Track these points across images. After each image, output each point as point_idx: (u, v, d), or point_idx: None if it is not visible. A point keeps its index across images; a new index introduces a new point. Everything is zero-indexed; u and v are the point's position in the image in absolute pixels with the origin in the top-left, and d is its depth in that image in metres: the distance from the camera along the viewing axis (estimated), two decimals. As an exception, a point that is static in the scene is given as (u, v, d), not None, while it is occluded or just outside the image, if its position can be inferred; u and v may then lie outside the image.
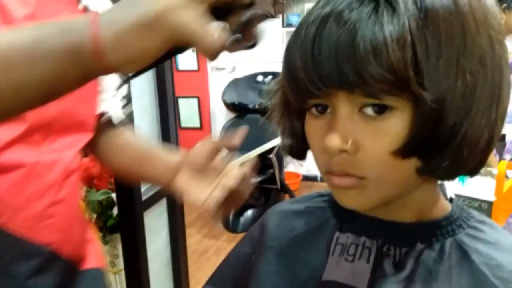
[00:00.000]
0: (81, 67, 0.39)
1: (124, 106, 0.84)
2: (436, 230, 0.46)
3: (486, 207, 1.38)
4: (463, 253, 0.44)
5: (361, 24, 0.36)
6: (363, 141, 0.39)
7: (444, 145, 0.39)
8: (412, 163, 0.40)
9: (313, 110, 0.42)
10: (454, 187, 1.45)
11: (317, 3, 0.40)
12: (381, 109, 0.38)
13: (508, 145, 1.89)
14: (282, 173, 3.20)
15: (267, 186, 3.04)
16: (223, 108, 3.73)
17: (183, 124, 4.06)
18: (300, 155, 0.50)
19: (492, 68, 0.39)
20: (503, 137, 1.86)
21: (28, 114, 0.62)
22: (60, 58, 0.38)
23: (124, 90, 0.83)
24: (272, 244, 0.54)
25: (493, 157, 1.85)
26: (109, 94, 0.82)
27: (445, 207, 0.48)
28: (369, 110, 0.39)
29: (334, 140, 0.39)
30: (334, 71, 0.37)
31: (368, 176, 0.40)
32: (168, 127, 1.54)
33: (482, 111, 0.39)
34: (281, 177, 3.09)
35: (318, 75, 0.38)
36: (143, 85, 1.44)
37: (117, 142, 0.81)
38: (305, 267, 0.50)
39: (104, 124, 0.81)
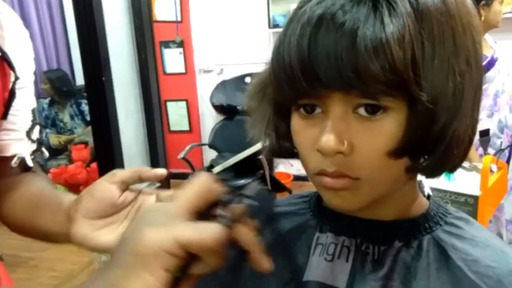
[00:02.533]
0: None
1: (35, 151, 0.73)
2: (413, 228, 0.46)
3: (472, 202, 1.39)
4: (441, 249, 0.45)
5: (360, 25, 0.36)
6: (358, 142, 0.39)
7: (435, 144, 0.40)
8: (402, 162, 0.41)
9: (301, 110, 0.42)
10: (440, 182, 1.46)
11: (308, 1, 0.40)
12: (374, 110, 0.38)
13: (491, 139, 1.92)
14: (273, 173, 3.20)
15: (257, 187, 3.05)
16: (212, 110, 3.73)
17: (172, 128, 4.04)
18: (288, 155, 0.49)
19: (475, 68, 0.40)
20: (487, 132, 1.88)
21: None
22: None
23: (36, 133, 0.73)
24: None
25: (474, 151, 1.87)
26: (19, 135, 0.71)
27: (423, 204, 0.49)
28: (363, 111, 0.39)
29: (330, 142, 0.38)
30: (333, 72, 0.36)
31: (362, 177, 0.40)
32: (155, 131, 1.53)
33: (467, 110, 0.40)
34: (272, 175, 3.10)
35: (316, 77, 0.37)
36: (128, 91, 1.44)
37: (16, 189, 0.69)
38: (287, 268, 0.50)
39: (11, 168, 0.70)
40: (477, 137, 1.91)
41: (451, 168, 0.44)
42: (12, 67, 0.67)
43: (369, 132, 0.39)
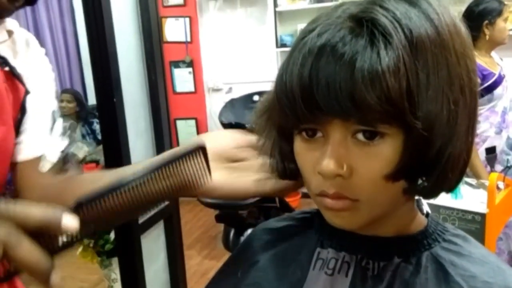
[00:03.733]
0: None
1: (66, 147, 0.72)
2: (412, 245, 0.48)
3: (479, 219, 1.38)
4: (439, 265, 0.46)
5: (358, 56, 0.37)
6: (356, 166, 0.41)
7: (431, 167, 0.41)
8: (400, 184, 0.42)
9: (303, 133, 0.44)
10: (447, 200, 1.46)
11: (311, 31, 0.42)
12: (372, 135, 0.40)
13: (498, 156, 1.91)
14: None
15: (266, 205, 3.04)
16: (221, 129, 3.76)
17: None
18: (293, 176, 0.51)
19: (469, 96, 0.42)
20: (493, 149, 1.88)
21: None
22: None
23: (59, 127, 0.72)
24: (256, 259, 0.55)
25: (483, 168, 1.87)
26: (42, 136, 0.72)
27: (422, 222, 0.51)
28: (361, 136, 0.40)
29: (329, 165, 0.40)
30: (332, 100, 0.38)
31: (361, 199, 0.42)
32: (164, 150, 1.56)
33: (462, 135, 0.42)
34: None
35: (316, 104, 0.39)
36: (138, 111, 1.47)
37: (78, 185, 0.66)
38: (286, 282, 0.52)
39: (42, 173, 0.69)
40: (484, 154, 1.91)
41: (447, 189, 0.46)
42: (21, 81, 0.69)
43: (367, 156, 0.41)
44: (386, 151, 0.40)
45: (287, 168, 0.50)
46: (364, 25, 0.39)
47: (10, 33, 0.72)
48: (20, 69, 0.71)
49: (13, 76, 0.69)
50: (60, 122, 0.75)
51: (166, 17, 3.87)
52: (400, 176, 0.41)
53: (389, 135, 0.40)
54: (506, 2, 2.04)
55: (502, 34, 2.01)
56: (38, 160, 0.70)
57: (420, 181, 0.43)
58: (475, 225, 1.38)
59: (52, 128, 0.73)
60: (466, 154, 0.43)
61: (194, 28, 3.91)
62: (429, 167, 0.41)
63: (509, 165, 1.75)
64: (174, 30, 3.90)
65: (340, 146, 0.41)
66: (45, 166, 0.70)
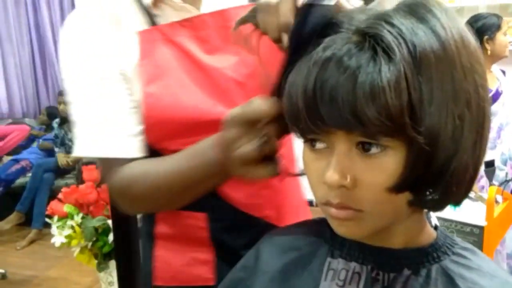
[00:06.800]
0: (215, 177, 0.61)
1: None
2: (422, 257, 0.48)
3: (477, 232, 1.39)
4: (449, 278, 0.47)
5: (361, 71, 0.38)
6: (360, 177, 0.42)
7: (435, 181, 0.42)
8: (404, 197, 0.43)
9: (310, 143, 0.45)
10: (445, 212, 1.47)
11: (318, 44, 0.42)
12: (375, 148, 0.41)
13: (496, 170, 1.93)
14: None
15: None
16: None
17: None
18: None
19: (476, 111, 0.42)
20: (492, 163, 1.90)
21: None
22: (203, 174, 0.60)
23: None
24: (266, 269, 0.55)
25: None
26: None
27: (431, 234, 0.51)
28: (364, 148, 0.41)
29: (334, 176, 0.41)
30: (334, 113, 0.39)
31: (365, 209, 0.43)
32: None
33: (468, 149, 0.42)
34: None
35: (319, 116, 0.40)
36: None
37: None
38: None
39: None
40: (482, 167, 1.92)
41: (454, 202, 0.46)
42: None
43: (371, 168, 0.41)
44: (389, 163, 0.41)
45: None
46: (367, 40, 0.39)
47: None
48: None
49: None
50: None
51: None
52: (403, 188, 0.42)
53: (391, 148, 0.40)
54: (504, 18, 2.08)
55: (503, 48, 2.04)
56: None
57: (425, 194, 0.44)
58: (473, 237, 1.39)
59: None
60: (473, 168, 0.43)
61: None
62: (433, 180, 0.42)
63: (507, 179, 1.76)
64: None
65: (344, 158, 0.42)
66: None
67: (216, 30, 0.71)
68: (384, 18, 0.41)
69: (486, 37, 1.99)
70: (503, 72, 2.17)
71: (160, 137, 0.68)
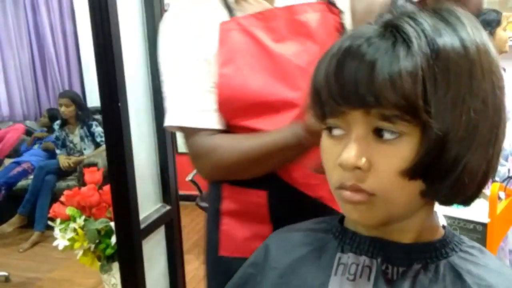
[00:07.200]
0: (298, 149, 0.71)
1: None
2: (431, 252, 0.49)
3: (480, 229, 1.39)
4: (457, 274, 0.47)
5: (380, 57, 0.41)
6: (375, 161, 0.44)
7: (447, 172, 0.43)
8: (417, 186, 0.44)
9: (329, 131, 0.48)
10: (448, 209, 1.47)
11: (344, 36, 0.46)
12: (391, 134, 0.43)
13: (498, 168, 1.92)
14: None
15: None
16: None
17: (180, 149, 4.07)
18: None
19: (492, 110, 0.44)
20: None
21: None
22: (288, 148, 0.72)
23: None
24: (275, 265, 0.56)
25: None
26: None
27: (439, 231, 0.52)
28: (381, 133, 0.43)
29: (350, 157, 0.43)
30: (354, 90, 0.42)
31: (378, 193, 0.44)
32: (166, 154, 1.56)
33: (482, 146, 0.44)
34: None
35: (340, 95, 0.43)
36: (141, 115, 1.47)
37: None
38: (307, 287, 0.52)
39: None
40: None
41: (464, 199, 0.47)
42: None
43: (385, 153, 0.43)
44: (403, 149, 0.43)
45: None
46: (388, 30, 0.43)
47: None
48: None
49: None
50: None
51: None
52: (416, 174, 0.43)
53: (406, 134, 0.42)
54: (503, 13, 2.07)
55: (503, 43, 2.04)
56: None
57: (437, 185, 0.45)
58: (477, 234, 1.39)
59: None
60: (486, 167, 0.45)
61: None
62: (445, 171, 0.43)
63: (510, 175, 1.76)
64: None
65: (361, 140, 0.44)
66: None
67: (284, 22, 0.80)
68: (409, 14, 0.44)
69: (486, 32, 1.99)
70: (504, 69, 2.16)
71: (230, 114, 0.78)
